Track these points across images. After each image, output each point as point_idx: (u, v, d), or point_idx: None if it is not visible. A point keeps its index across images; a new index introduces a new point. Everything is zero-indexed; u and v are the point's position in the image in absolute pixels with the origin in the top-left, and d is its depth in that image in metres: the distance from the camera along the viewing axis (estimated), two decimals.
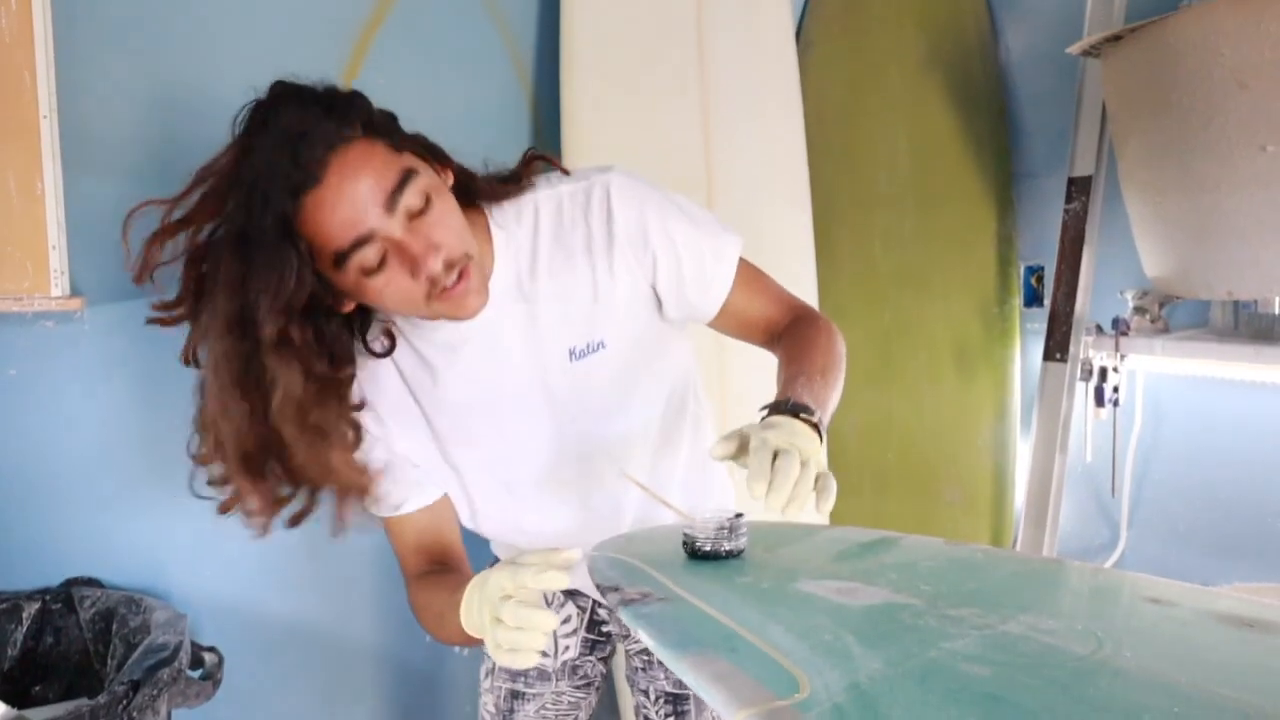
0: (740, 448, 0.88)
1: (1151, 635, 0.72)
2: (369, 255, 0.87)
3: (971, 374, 2.25)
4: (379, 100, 0.93)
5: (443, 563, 1.09)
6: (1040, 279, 2.24)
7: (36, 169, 1.40)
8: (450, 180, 0.97)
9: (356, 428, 0.99)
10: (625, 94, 1.90)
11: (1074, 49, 1.81)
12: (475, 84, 1.88)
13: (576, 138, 1.87)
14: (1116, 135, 1.77)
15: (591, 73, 1.88)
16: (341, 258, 0.87)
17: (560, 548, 0.85)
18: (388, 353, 1.03)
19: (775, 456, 0.83)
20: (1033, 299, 2.26)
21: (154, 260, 0.91)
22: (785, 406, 0.91)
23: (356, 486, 0.98)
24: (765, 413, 0.92)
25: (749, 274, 1.11)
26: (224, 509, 0.96)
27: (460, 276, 0.91)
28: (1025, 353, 2.32)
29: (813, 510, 0.84)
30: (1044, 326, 2.09)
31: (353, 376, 0.98)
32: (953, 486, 2.25)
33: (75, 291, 1.52)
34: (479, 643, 0.94)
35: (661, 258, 1.04)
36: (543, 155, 1.08)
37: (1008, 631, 0.71)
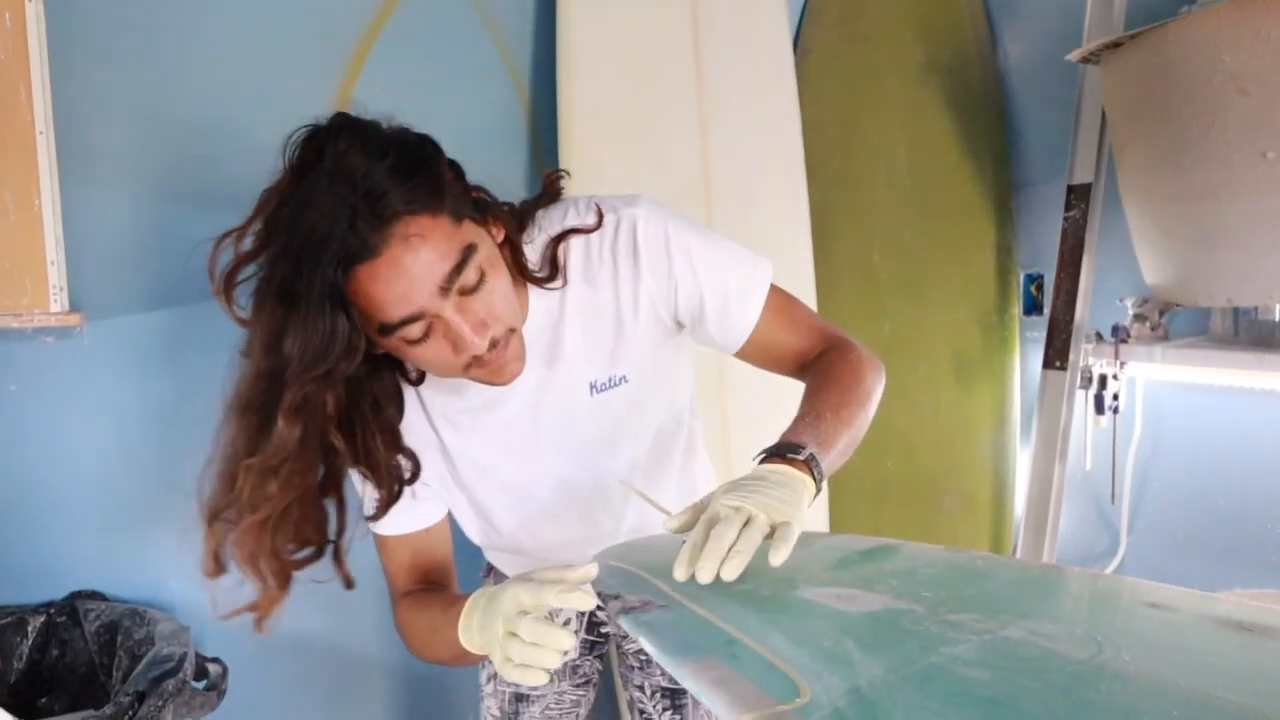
0: (691, 519, 0.84)
1: (1151, 639, 0.72)
2: (414, 330, 0.86)
3: (971, 383, 2.25)
4: (375, 111, 0.88)
5: (432, 582, 1.09)
6: (1040, 287, 2.24)
7: (34, 184, 1.41)
8: (501, 236, 0.94)
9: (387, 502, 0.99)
10: (622, 103, 1.91)
11: (1073, 56, 1.81)
12: (472, 95, 1.88)
13: (574, 148, 1.87)
14: (1116, 142, 1.77)
15: (588, 83, 1.89)
16: (387, 329, 0.85)
17: (574, 564, 0.84)
18: (421, 380, 1.03)
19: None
20: (1032, 307, 2.26)
21: (233, 284, 0.88)
22: (775, 451, 0.87)
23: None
24: (758, 459, 0.89)
25: (779, 304, 1.07)
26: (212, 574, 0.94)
27: (500, 351, 0.90)
28: (1025, 361, 2.32)
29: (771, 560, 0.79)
30: (1044, 335, 2.09)
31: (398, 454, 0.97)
32: (953, 495, 2.25)
33: (74, 307, 1.52)
34: (471, 660, 0.94)
35: (683, 289, 1.02)
36: (562, 174, 1.07)
37: (1008, 636, 0.71)
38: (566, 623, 1.27)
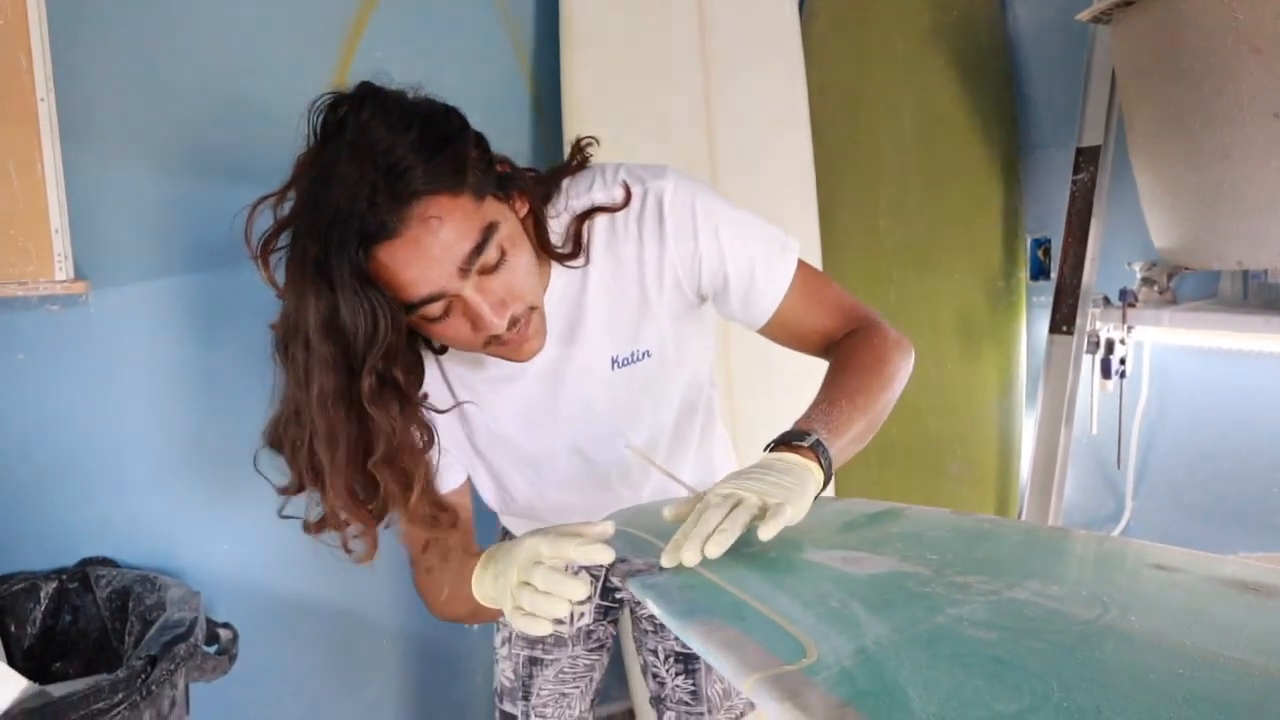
0: (686, 510, 0.83)
1: (1157, 600, 0.73)
2: (434, 309, 0.85)
3: (977, 348, 2.24)
4: (400, 82, 0.86)
5: (451, 546, 1.08)
6: (1047, 251, 2.23)
7: (36, 151, 1.39)
8: (524, 210, 0.93)
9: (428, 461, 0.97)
10: (626, 69, 1.89)
11: (1083, 15, 1.79)
12: (473, 64, 1.86)
13: (577, 117, 1.86)
14: (1126, 104, 1.75)
15: (591, 48, 1.87)
16: (408, 308, 0.84)
17: (592, 521, 0.84)
18: (444, 350, 1.02)
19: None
20: (1039, 272, 2.24)
21: (270, 250, 0.86)
22: (783, 439, 0.87)
23: (425, 518, 0.95)
24: (769, 447, 0.88)
25: (806, 283, 1.05)
26: (314, 530, 0.93)
27: (519, 330, 0.89)
28: (1031, 326, 2.31)
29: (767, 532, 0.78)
30: (1050, 300, 2.08)
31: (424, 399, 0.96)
32: (958, 460, 2.25)
33: (79, 275, 1.52)
34: (489, 616, 0.95)
35: (707, 262, 1.01)
36: (589, 140, 1.04)
37: (1014, 598, 0.71)
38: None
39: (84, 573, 1.56)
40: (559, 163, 1.04)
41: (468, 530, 1.10)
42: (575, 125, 1.86)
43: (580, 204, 1.00)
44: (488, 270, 0.85)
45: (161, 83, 1.60)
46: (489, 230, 0.84)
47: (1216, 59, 1.47)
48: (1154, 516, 2.05)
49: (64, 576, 1.55)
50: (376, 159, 0.78)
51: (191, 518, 1.70)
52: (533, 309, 0.90)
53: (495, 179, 0.88)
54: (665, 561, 0.77)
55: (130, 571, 1.56)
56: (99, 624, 1.54)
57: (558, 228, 0.99)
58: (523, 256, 0.89)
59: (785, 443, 0.85)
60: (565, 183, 1.01)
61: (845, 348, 1.01)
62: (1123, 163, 1.93)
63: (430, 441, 0.96)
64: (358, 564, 0.93)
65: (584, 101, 1.86)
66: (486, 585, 0.88)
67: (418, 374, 0.94)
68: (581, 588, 0.79)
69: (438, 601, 1.02)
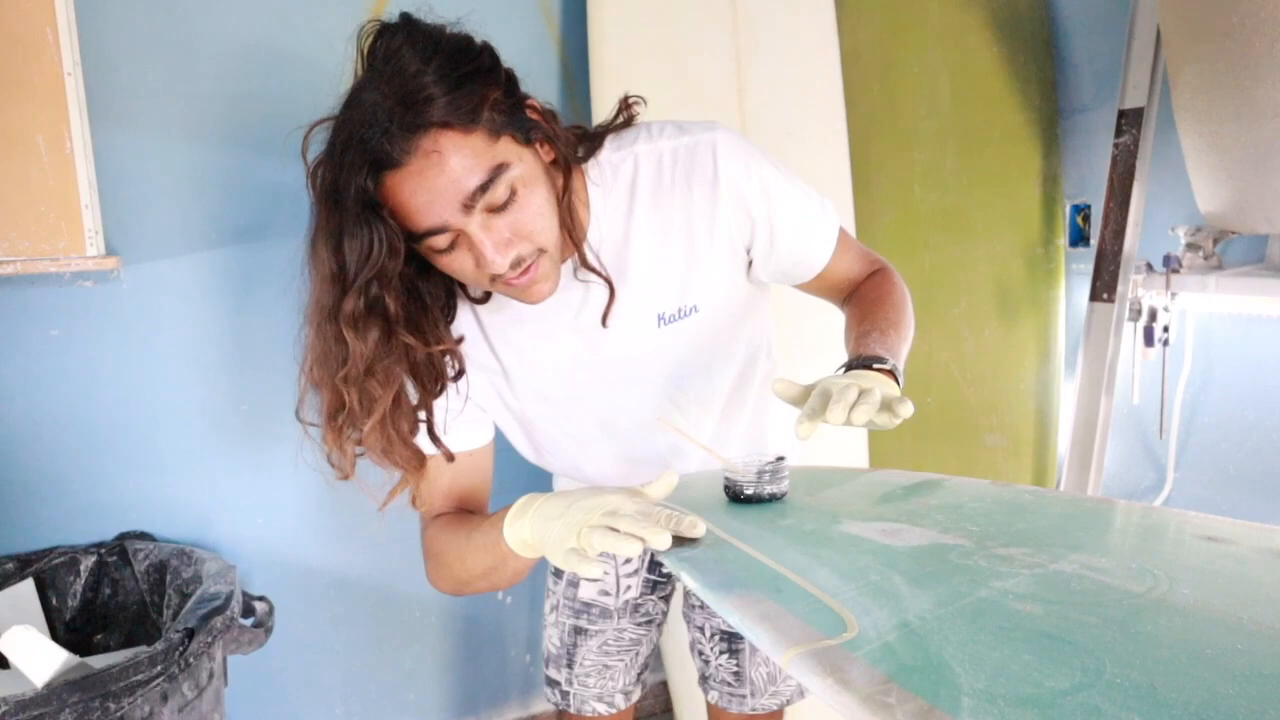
0: (803, 394, 0.88)
1: (1209, 573, 0.70)
2: (439, 241, 0.86)
3: (1014, 317, 2.20)
4: (419, 8, 0.88)
5: (466, 510, 1.08)
6: (1086, 218, 2.18)
7: (64, 126, 1.39)
8: (551, 156, 0.92)
9: (429, 412, 0.98)
10: (655, 35, 1.85)
11: None
12: (501, 26, 1.77)
13: (606, 81, 1.83)
14: (1172, 63, 1.70)
15: (620, 12, 1.83)
16: (415, 237, 0.86)
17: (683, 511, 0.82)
18: (484, 300, 1.02)
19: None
20: (1079, 238, 2.20)
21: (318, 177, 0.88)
22: (857, 362, 0.92)
23: (409, 467, 0.97)
24: (840, 371, 0.92)
25: (841, 238, 1.10)
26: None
27: (526, 270, 0.89)
28: (1070, 294, 2.26)
29: (887, 422, 0.85)
30: (1090, 267, 2.04)
31: (446, 352, 0.97)
32: (995, 431, 2.22)
33: (111, 251, 1.52)
34: (499, 580, 0.94)
35: (760, 225, 1.02)
36: (636, 99, 1.04)
37: (1060, 570, 0.70)
38: (628, 560, 1.27)
39: (122, 546, 1.57)
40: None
41: (482, 501, 1.09)
42: (604, 92, 1.83)
43: (621, 157, 0.99)
44: (495, 208, 0.85)
45: (190, 52, 1.58)
46: (499, 169, 0.84)
47: (1268, 12, 1.42)
48: (1196, 487, 2.01)
49: (103, 550, 1.57)
50: (398, 85, 0.80)
51: (227, 491, 1.71)
52: (541, 251, 0.90)
53: (521, 121, 0.87)
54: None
55: (167, 545, 1.58)
56: (138, 597, 1.56)
57: (598, 178, 0.99)
58: (536, 199, 0.88)
59: (864, 365, 0.91)
60: (609, 139, 1.00)
61: (874, 286, 1.09)
62: (1166, 125, 1.87)
63: (438, 387, 0.97)
64: (339, 480, 0.95)
65: (612, 66, 1.83)
66: (525, 528, 0.85)
67: (426, 314, 0.95)
68: (666, 538, 0.75)
69: (448, 561, 1.00)
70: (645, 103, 1.04)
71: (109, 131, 1.52)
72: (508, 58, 0.91)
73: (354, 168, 0.81)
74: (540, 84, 1.92)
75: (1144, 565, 0.71)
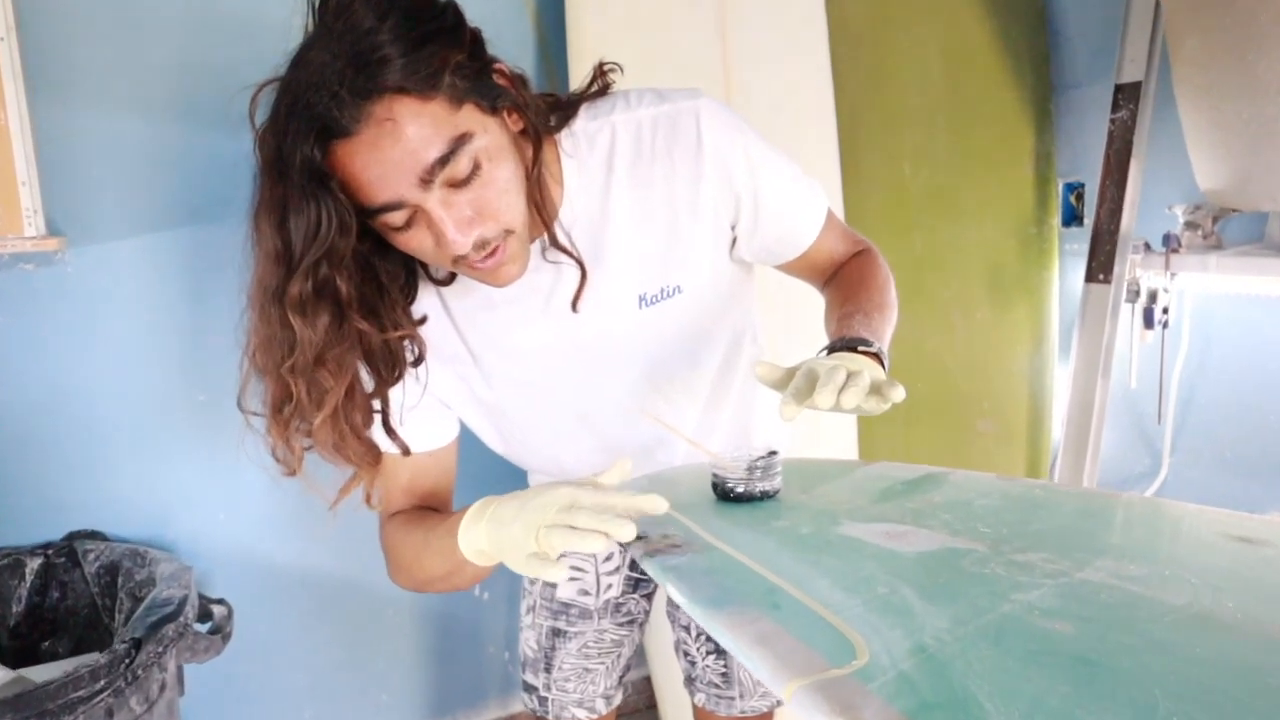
0: (786, 376, 0.82)
1: (1250, 580, 0.64)
2: (395, 218, 0.79)
3: (1007, 299, 2.17)
4: None
5: (428, 508, 1.02)
6: (1080, 197, 2.14)
7: None
8: (519, 126, 0.84)
9: (385, 402, 0.91)
10: (637, 4, 1.78)
11: None
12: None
13: (584, 55, 1.75)
14: (1172, 35, 1.66)
15: None
16: (368, 212, 0.79)
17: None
18: (448, 282, 0.94)
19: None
20: (1072, 218, 2.17)
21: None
22: (841, 344, 0.86)
23: (363, 464, 0.91)
24: (823, 354, 0.86)
25: (827, 217, 1.05)
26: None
27: (492, 253, 0.82)
28: (1064, 275, 2.22)
29: (875, 406, 0.80)
30: (1084, 247, 2.01)
31: (405, 338, 0.90)
32: (987, 417, 2.18)
33: (53, 231, 1.42)
34: (459, 580, 0.89)
35: (745, 199, 0.95)
36: (613, 66, 0.96)
37: (1086, 579, 0.63)
38: (609, 557, 1.21)
39: (71, 547, 1.48)
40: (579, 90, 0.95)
41: (445, 499, 1.03)
42: (583, 69, 1.74)
43: (597, 126, 0.92)
44: (456, 184, 0.78)
45: (137, 17, 1.48)
46: (461, 140, 0.76)
47: None
48: (1193, 471, 1.98)
49: (50, 551, 1.48)
50: (350, 43, 0.73)
51: (184, 487, 1.63)
52: (508, 232, 0.83)
53: (486, 87, 0.80)
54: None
55: (120, 545, 1.49)
56: (88, 601, 1.47)
57: (571, 149, 0.91)
58: (502, 174, 0.81)
59: (848, 347, 0.86)
60: (584, 109, 0.93)
61: (856, 268, 1.04)
62: (1163, 100, 1.82)
63: (395, 375, 0.90)
64: (286, 476, 0.88)
65: (591, 39, 1.76)
66: (479, 536, 0.80)
67: (382, 297, 0.87)
68: (630, 529, 0.70)
69: (406, 561, 0.95)
70: (621, 70, 0.96)
71: (49, 103, 1.42)
72: (476, 23, 0.83)
73: (299, 136, 0.74)
74: (513, 57, 1.84)
75: (1178, 572, 0.64)
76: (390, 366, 0.90)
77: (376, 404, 0.92)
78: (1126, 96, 1.85)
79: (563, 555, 0.73)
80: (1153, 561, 0.68)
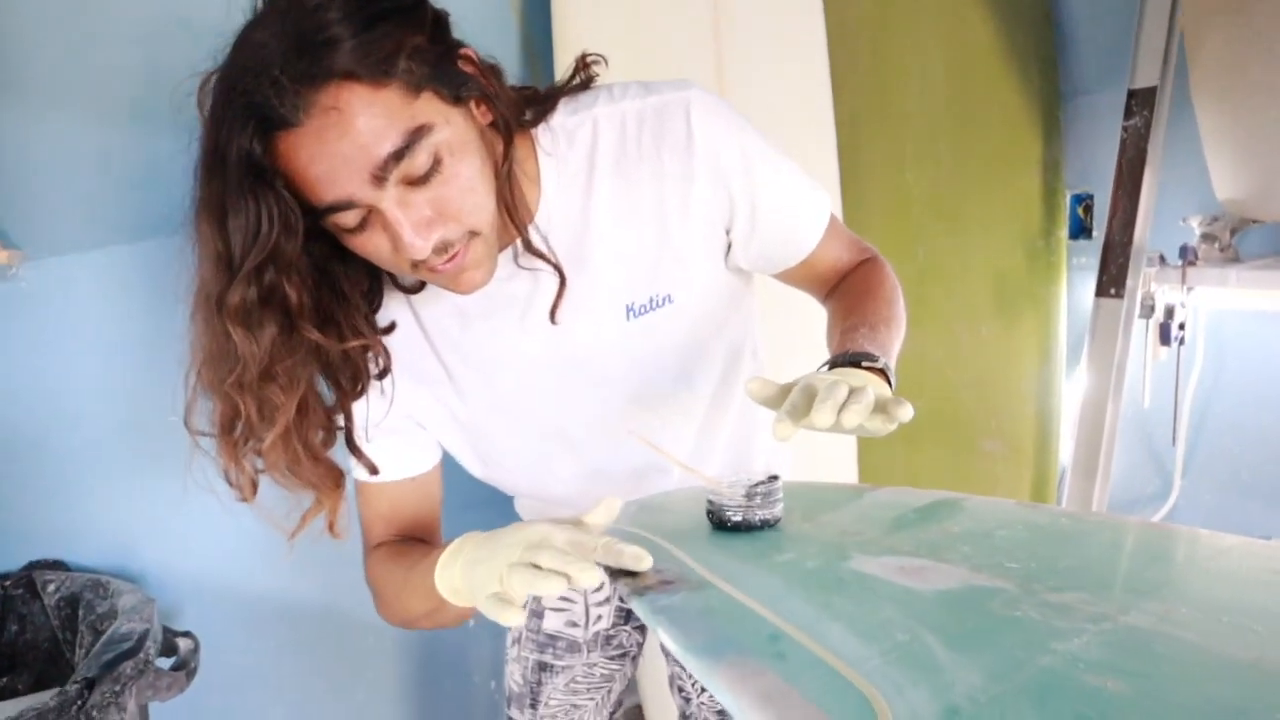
0: (781, 393, 0.75)
1: None
2: (347, 218, 0.72)
3: (1013, 314, 2.12)
4: None
5: (412, 537, 0.96)
6: (1088, 209, 2.10)
7: None
8: (488, 119, 0.78)
9: (348, 418, 0.85)
10: (627, 2, 1.73)
11: None
12: None
13: (571, 54, 1.69)
14: (1189, 38, 1.61)
15: None
16: (316, 212, 0.72)
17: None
18: (420, 288, 0.88)
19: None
20: (1079, 231, 2.13)
21: None
22: (843, 359, 0.81)
23: (323, 488, 0.84)
24: (824, 369, 0.81)
25: (830, 222, 0.99)
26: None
27: (453, 257, 0.75)
28: (1071, 289, 2.16)
29: (880, 427, 0.73)
30: (1091, 261, 1.97)
31: (366, 347, 0.84)
32: (992, 437, 2.12)
33: (7, 245, 1.37)
34: (446, 619, 0.84)
35: (740, 200, 0.88)
36: (597, 58, 0.90)
37: (1134, 625, 0.56)
38: (599, 588, 1.15)
39: (30, 577, 1.41)
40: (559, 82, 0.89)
41: (429, 528, 0.98)
42: (567, 56, 1.70)
43: (578, 121, 0.85)
44: (413, 181, 0.71)
45: (93, 21, 1.42)
46: (418, 133, 0.70)
47: None
48: (1205, 494, 1.92)
49: (8, 582, 1.41)
50: (292, 26, 0.67)
51: (151, 512, 1.56)
52: (473, 234, 0.76)
53: (449, 74, 0.73)
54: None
55: (81, 576, 1.42)
56: (49, 634, 1.40)
57: (548, 144, 0.85)
58: (465, 170, 0.74)
59: (851, 362, 0.80)
60: (563, 103, 0.86)
61: (861, 278, 0.98)
62: (1179, 107, 1.76)
63: (358, 389, 0.84)
64: (239, 502, 0.82)
65: (578, 37, 1.71)
66: (454, 575, 0.75)
67: (342, 303, 0.82)
68: (594, 575, 0.65)
69: (389, 596, 0.90)
70: (606, 62, 0.90)
71: (1, 112, 1.36)
72: (458, 23, 0.77)
73: (236, 126, 0.68)
74: (496, 55, 1.78)
75: (1237, 620, 0.57)
76: (352, 379, 0.84)
77: (340, 420, 0.85)
78: (1140, 102, 1.79)
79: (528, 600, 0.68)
80: (1204, 605, 0.60)
